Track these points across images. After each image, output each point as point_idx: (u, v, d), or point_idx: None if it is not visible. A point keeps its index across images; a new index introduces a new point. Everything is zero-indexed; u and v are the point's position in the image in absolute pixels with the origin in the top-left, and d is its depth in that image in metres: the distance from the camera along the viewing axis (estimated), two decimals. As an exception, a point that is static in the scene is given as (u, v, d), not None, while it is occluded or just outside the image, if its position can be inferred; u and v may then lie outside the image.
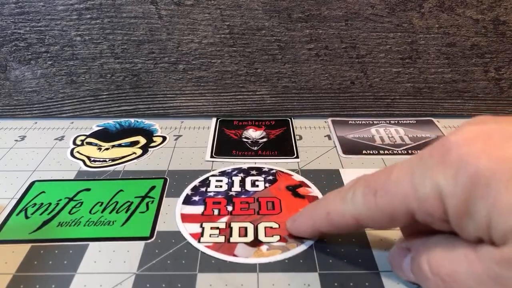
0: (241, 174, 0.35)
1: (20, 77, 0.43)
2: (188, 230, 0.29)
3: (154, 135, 0.42)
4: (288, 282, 0.25)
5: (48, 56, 0.42)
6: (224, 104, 0.44)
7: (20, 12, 0.40)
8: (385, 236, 0.28)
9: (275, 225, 0.29)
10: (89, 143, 0.40)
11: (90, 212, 0.31)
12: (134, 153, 0.38)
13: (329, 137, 0.41)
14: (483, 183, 0.18)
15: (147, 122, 0.44)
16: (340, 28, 0.41)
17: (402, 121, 0.44)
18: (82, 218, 0.30)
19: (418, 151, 0.38)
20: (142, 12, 0.40)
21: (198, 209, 0.31)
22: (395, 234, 0.28)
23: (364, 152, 0.38)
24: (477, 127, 0.20)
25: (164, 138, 0.41)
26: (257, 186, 0.33)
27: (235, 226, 0.29)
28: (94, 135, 0.42)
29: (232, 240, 0.28)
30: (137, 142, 0.40)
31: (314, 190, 0.33)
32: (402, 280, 0.24)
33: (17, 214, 0.31)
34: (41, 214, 0.30)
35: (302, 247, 0.27)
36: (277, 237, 0.28)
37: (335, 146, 0.39)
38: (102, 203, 0.32)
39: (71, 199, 0.32)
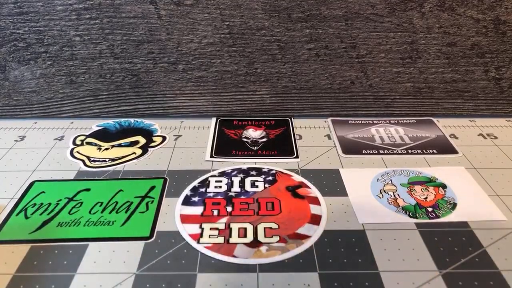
0: (241, 175, 0.35)
1: (19, 77, 0.43)
2: (187, 231, 0.29)
3: (153, 135, 0.42)
4: (288, 282, 0.25)
5: (47, 56, 0.42)
6: (224, 104, 0.44)
7: (19, 12, 0.40)
8: (385, 236, 0.28)
9: (275, 226, 0.29)
10: (89, 143, 0.40)
11: (90, 212, 0.31)
12: (134, 153, 0.38)
13: (329, 136, 0.41)
14: None
15: (146, 122, 0.44)
16: (340, 28, 0.40)
17: (402, 121, 0.44)
18: (82, 218, 0.30)
19: (418, 151, 0.38)
20: (141, 12, 0.40)
21: (198, 210, 0.31)
22: (393, 234, 0.28)
23: (364, 151, 0.38)
24: None
25: (164, 138, 0.41)
26: (257, 186, 0.33)
27: (235, 226, 0.29)
28: (93, 135, 0.42)
29: (231, 240, 0.28)
30: (136, 142, 0.40)
31: (314, 191, 0.33)
32: (402, 280, 0.24)
33: (16, 214, 0.31)
34: (41, 214, 0.30)
35: (302, 248, 0.27)
36: (277, 238, 0.28)
37: (335, 146, 0.39)
38: (102, 203, 0.32)
39: (71, 199, 0.32)
